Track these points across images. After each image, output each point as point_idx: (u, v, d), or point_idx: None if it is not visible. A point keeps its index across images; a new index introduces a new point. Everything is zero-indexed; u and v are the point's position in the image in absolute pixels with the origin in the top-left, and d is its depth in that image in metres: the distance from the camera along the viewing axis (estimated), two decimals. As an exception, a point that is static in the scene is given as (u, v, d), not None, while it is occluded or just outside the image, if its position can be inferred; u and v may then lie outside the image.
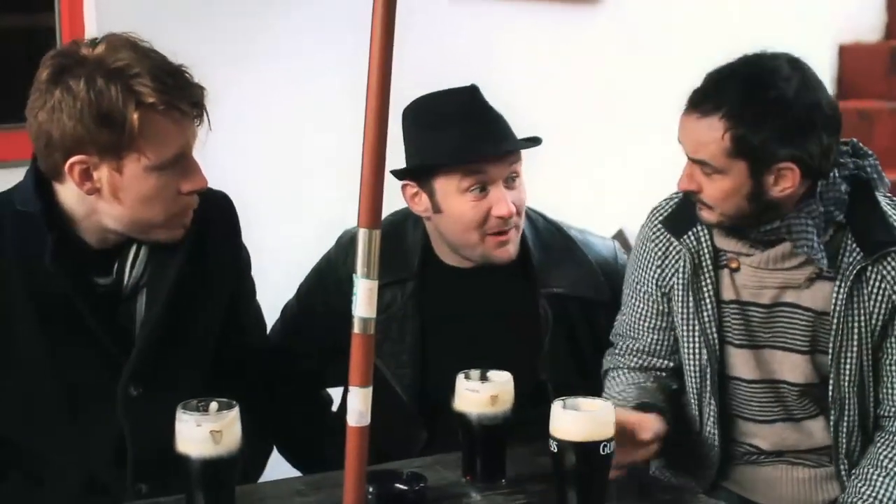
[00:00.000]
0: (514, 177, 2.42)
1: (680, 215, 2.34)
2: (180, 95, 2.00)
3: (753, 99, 2.11)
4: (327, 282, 2.54)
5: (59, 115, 1.97)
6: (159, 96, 1.97)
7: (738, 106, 2.11)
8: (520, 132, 2.46)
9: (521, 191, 2.44)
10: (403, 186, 2.46)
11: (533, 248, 2.51)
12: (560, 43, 4.20)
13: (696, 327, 2.30)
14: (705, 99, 2.15)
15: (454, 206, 2.41)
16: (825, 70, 4.91)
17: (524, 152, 2.45)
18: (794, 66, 2.15)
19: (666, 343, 2.39)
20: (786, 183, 2.15)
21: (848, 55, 5.08)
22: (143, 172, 2.01)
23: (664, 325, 2.38)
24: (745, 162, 2.13)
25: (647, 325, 2.40)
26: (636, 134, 4.21)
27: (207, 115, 2.07)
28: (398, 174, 2.42)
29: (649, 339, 2.40)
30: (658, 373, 2.40)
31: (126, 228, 2.09)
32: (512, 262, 2.48)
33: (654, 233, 2.37)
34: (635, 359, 2.42)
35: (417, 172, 2.43)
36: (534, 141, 2.43)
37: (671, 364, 2.39)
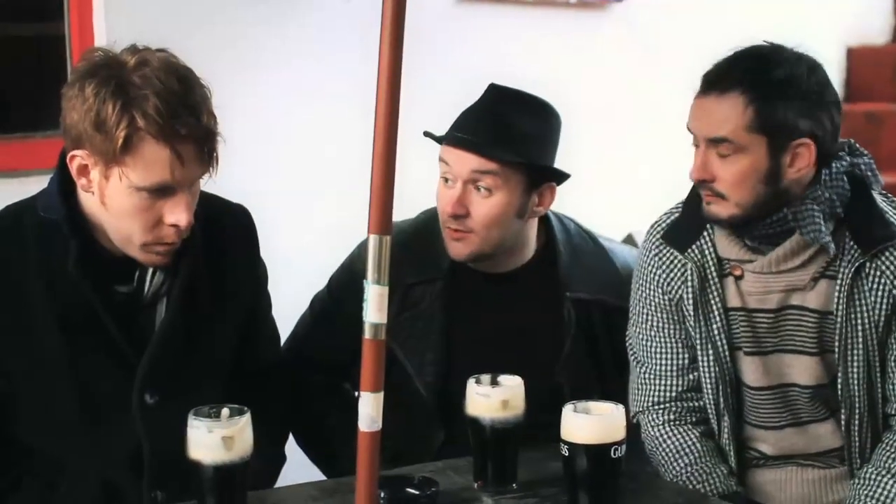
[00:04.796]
0: (482, 185, 2.38)
1: (681, 229, 2.35)
2: (174, 133, 1.98)
3: (770, 75, 2.17)
4: (351, 279, 2.53)
5: (70, 107, 2.01)
6: (150, 126, 1.96)
7: (758, 81, 2.16)
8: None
9: (493, 204, 2.39)
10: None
11: (563, 250, 2.51)
12: (569, 49, 4.20)
13: (708, 341, 2.31)
14: (722, 79, 2.19)
15: (438, 186, 2.46)
16: (833, 73, 4.88)
17: None
18: (795, 52, 2.21)
19: (689, 378, 2.37)
20: (801, 162, 2.18)
21: (856, 58, 5.08)
22: (126, 188, 2.01)
23: (682, 350, 2.36)
24: (765, 137, 2.16)
25: (670, 361, 2.37)
26: (645, 139, 4.21)
27: (217, 161, 2.05)
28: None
29: (676, 382, 2.38)
30: (696, 415, 2.38)
31: (113, 237, 2.09)
32: (539, 266, 2.50)
33: (655, 247, 2.37)
34: (672, 409, 2.38)
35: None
36: (506, 157, 2.37)
37: (701, 398, 2.37)
